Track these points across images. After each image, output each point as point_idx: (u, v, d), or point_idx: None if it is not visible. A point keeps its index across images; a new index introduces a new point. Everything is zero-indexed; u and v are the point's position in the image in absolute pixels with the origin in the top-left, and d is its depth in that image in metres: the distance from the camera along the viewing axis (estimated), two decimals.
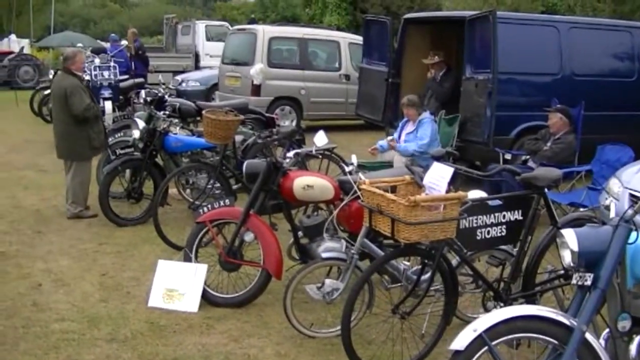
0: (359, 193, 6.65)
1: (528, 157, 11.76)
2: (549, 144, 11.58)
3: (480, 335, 4.34)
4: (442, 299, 6.63)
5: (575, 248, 4.54)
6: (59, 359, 6.68)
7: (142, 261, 9.38)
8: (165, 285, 7.97)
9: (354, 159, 7.52)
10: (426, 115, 11.92)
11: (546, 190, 6.73)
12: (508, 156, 11.98)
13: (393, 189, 6.40)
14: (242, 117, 11.06)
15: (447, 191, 6.06)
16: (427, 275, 6.46)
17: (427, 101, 14.63)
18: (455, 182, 6.59)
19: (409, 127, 12.04)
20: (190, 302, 7.81)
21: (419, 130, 11.76)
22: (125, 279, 8.78)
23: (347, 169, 7.46)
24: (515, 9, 32.69)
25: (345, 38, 23.02)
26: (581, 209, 9.89)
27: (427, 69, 15.04)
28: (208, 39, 34.92)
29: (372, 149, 12.12)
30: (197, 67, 32.67)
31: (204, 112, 10.41)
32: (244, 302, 7.87)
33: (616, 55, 15.00)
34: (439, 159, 7.12)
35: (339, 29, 33.26)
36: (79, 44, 27.01)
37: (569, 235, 4.60)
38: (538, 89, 13.81)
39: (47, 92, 22.76)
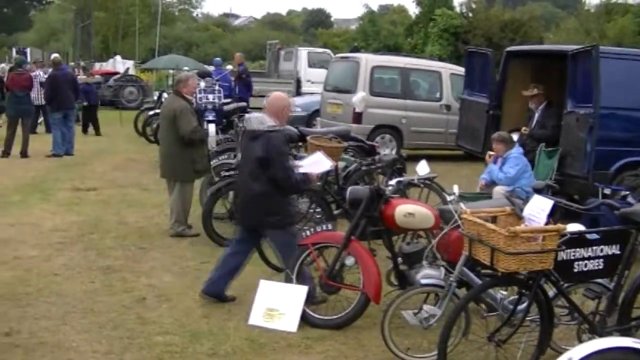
0: (459, 222, 6.80)
1: (628, 192, 11.68)
2: None
3: None
4: (538, 329, 6.72)
5: None
6: None
7: (243, 280, 9.50)
8: (266, 304, 8.15)
9: (456, 189, 7.60)
10: (513, 151, 11.90)
11: None
12: (607, 191, 11.92)
13: (493, 219, 6.52)
14: (345, 144, 11.21)
15: (547, 223, 6.16)
16: (524, 305, 6.54)
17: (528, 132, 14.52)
18: (555, 214, 6.67)
19: (499, 163, 12.07)
20: (289, 322, 7.97)
21: (505, 165, 11.78)
22: None
23: (448, 198, 7.57)
24: (617, 43, 32.39)
25: (447, 69, 22.99)
26: None
27: (528, 101, 14.98)
28: (310, 66, 35.08)
29: (482, 185, 12.19)
30: (298, 93, 32.73)
31: (308, 138, 10.61)
32: (342, 324, 8.01)
33: None
34: (539, 191, 7.23)
35: (440, 59, 33.30)
36: (185, 67, 27.48)
37: None
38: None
39: (151, 112, 23.25)
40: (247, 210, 8.68)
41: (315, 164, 8.95)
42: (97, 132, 26.57)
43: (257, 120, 8.55)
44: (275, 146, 8.31)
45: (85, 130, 26.55)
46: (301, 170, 8.65)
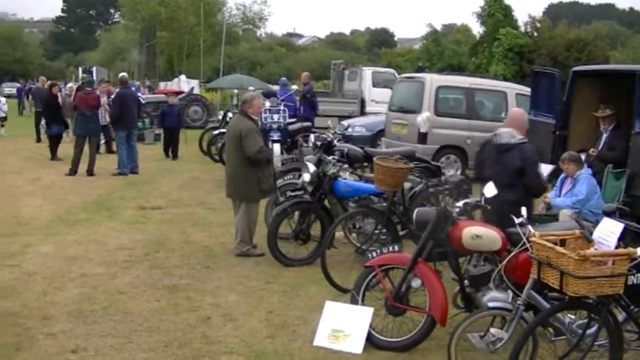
0: (527, 245, 6.73)
1: None
2: None
3: None
4: (606, 354, 6.64)
5: None
6: None
7: (308, 301, 9.58)
8: (332, 325, 8.15)
9: (524, 212, 7.55)
10: (583, 171, 11.79)
11: None
12: None
13: (562, 243, 6.46)
14: (412, 165, 11.16)
15: (617, 247, 6.09)
16: (593, 330, 6.48)
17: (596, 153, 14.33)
18: (625, 237, 6.58)
19: (567, 184, 11.95)
20: (355, 344, 7.95)
21: (576, 187, 11.65)
22: (291, 318, 8.99)
23: (517, 220, 7.50)
24: None
25: (513, 88, 22.73)
26: None
27: (595, 122, 14.78)
28: (374, 85, 34.76)
29: (542, 207, 12.08)
30: (362, 112, 32.66)
31: (375, 159, 10.56)
32: (408, 346, 7.96)
33: None
34: (609, 214, 7.14)
35: (505, 78, 33.10)
36: (250, 87, 27.54)
37: None
38: None
39: (216, 132, 23.33)
40: (501, 220, 8.50)
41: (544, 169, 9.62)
42: (174, 157, 26.14)
43: (508, 134, 9.44)
44: (529, 156, 9.23)
45: (167, 154, 26.37)
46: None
